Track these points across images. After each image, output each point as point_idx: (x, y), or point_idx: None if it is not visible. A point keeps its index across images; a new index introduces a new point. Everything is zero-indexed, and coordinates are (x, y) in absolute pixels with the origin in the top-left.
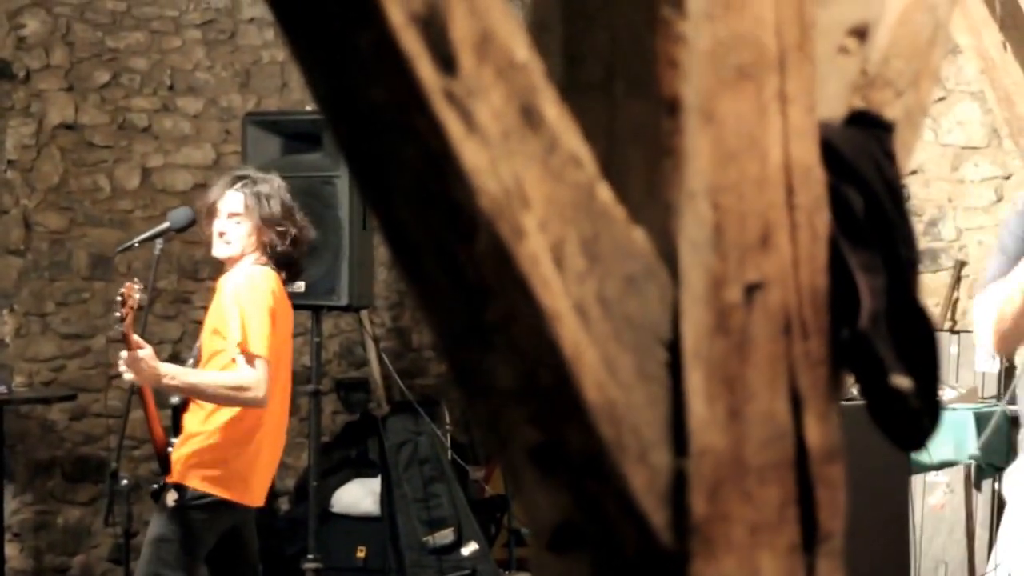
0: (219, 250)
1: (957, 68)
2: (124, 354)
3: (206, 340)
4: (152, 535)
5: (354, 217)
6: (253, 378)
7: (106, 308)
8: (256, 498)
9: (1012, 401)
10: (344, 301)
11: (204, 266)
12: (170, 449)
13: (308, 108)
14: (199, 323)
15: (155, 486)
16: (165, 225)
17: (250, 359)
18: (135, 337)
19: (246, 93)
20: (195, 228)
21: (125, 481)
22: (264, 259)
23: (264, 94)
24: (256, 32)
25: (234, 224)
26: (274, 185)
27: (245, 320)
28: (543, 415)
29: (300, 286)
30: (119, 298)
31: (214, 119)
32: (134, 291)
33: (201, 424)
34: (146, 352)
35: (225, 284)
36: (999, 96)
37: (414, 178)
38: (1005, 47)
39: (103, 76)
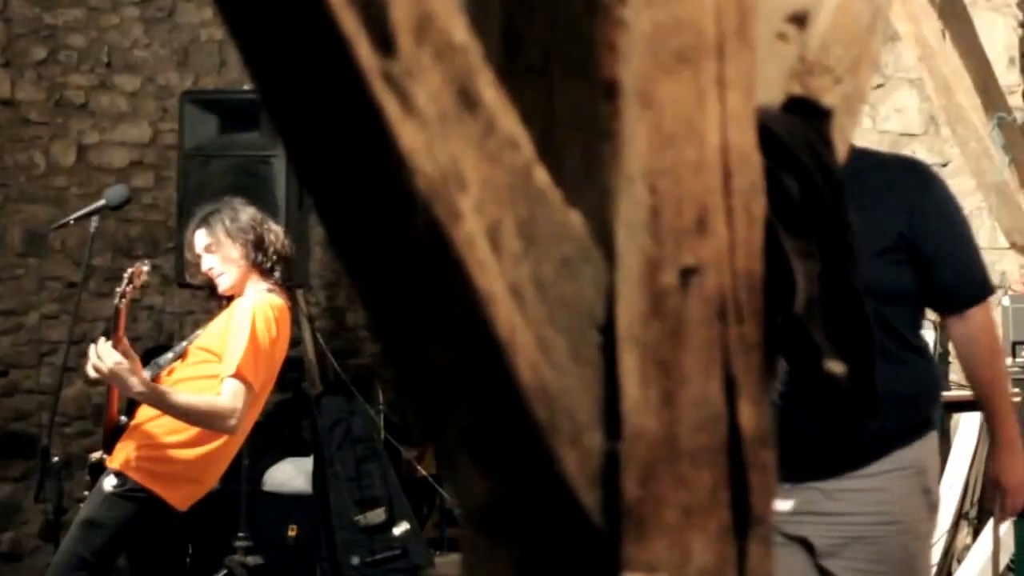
0: (221, 287)
1: (896, 55)
2: (99, 349)
3: (195, 353)
4: (84, 516)
5: (290, 196)
6: (232, 407)
7: (39, 285)
8: (186, 505)
9: (944, 387)
10: None
11: (139, 244)
12: (123, 420)
13: (246, 87)
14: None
15: (92, 460)
16: (101, 203)
17: (241, 386)
18: (125, 340)
19: (184, 71)
20: (130, 206)
21: (56, 458)
22: (268, 278)
23: (202, 72)
24: (194, 10)
25: (213, 257)
26: (233, 206)
27: (250, 345)
28: (476, 397)
29: None
30: (126, 275)
31: (151, 97)
32: (143, 273)
33: (167, 424)
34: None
35: (238, 307)
36: (937, 84)
37: (351, 159)
38: (944, 35)
39: (40, 52)
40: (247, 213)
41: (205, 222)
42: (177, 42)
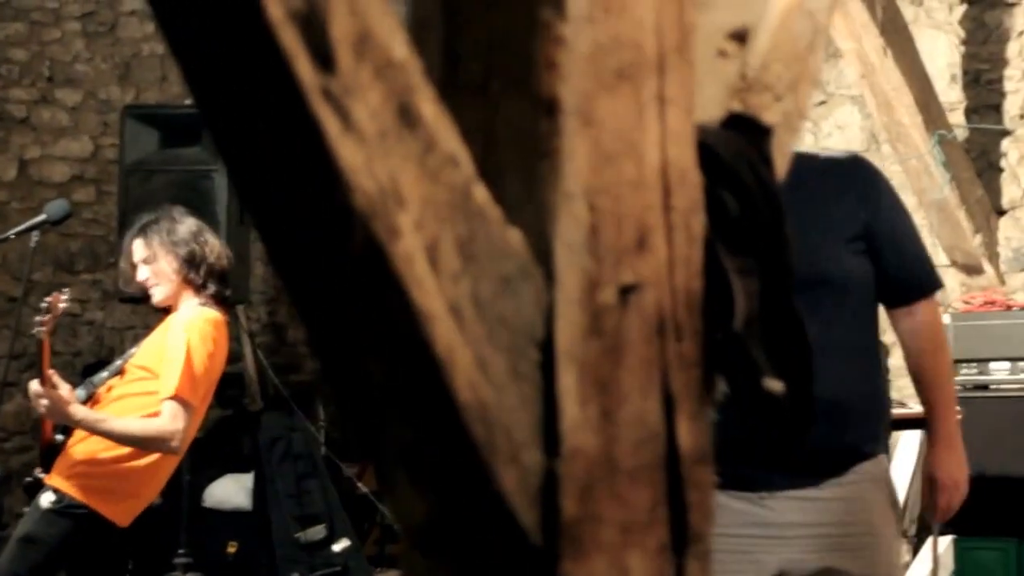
0: (155, 298)
1: (838, 72)
2: (34, 387)
3: (132, 371)
4: (21, 533)
5: (231, 212)
6: (173, 428)
7: None
8: (127, 520)
9: None
10: None
11: (80, 259)
12: (58, 438)
13: (188, 102)
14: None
15: (29, 479)
16: (41, 217)
17: (181, 407)
18: (51, 371)
19: (125, 85)
20: (71, 220)
21: None
22: (202, 292)
23: (144, 87)
24: (137, 24)
25: (150, 269)
26: (172, 216)
27: (187, 365)
28: (415, 415)
29: None
30: (44, 305)
31: (93, 111)
32: (60, 300)
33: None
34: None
35: (173, 323)
36: (879, 101)
37: (290, 176)
38: (885, 52)
39: None
40: (185, 225)
41: (143, 232)
42: (119, 56)
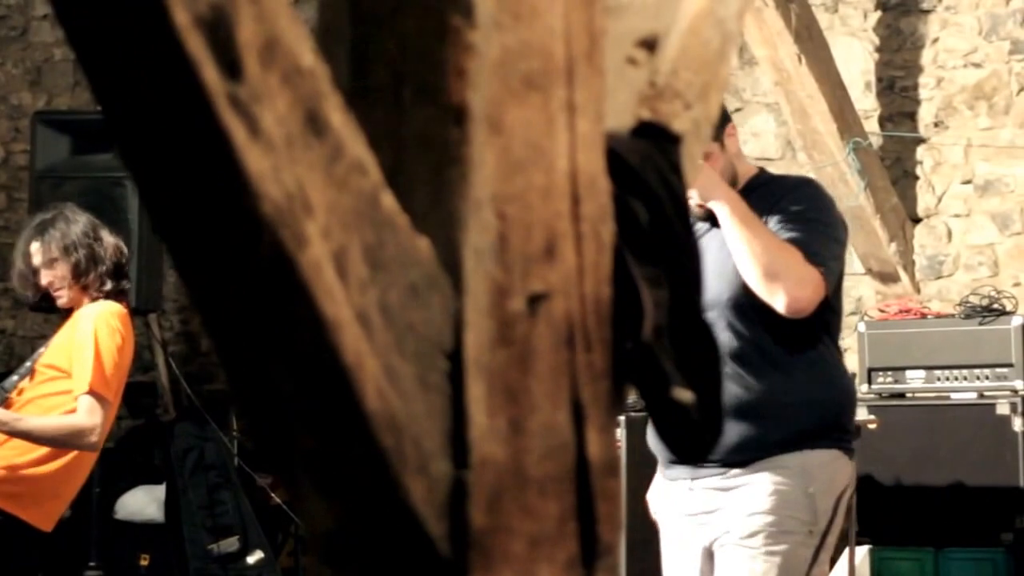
0: (60, 301)
1: (753, 79)
2: None
3: (42, 372)
4: None
5: (143, 219)
6: (91, 423)
7: None
8: (50, 524)
9: None
10: (132, 304)
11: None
12: None
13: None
14: None
15: None
16: None
17: (96, 402)
18: None
19: (37, 91)
20: None
21: None
22: (103, 288)
23: (55, 92)
24: (48, 29)
25: (51, 273)
26: (65, 217)
27: (98, 359)
28: (322, 424)
29: None
30: None
31: (3, 117)
32: None
33: (19, 445)
34: None
35: (79, 319)
36: (793, 108)
37: (196, 183)
38: (800, 59)
39: None
40: (79, 225)
41: (40, 234)
42: (30, 61)
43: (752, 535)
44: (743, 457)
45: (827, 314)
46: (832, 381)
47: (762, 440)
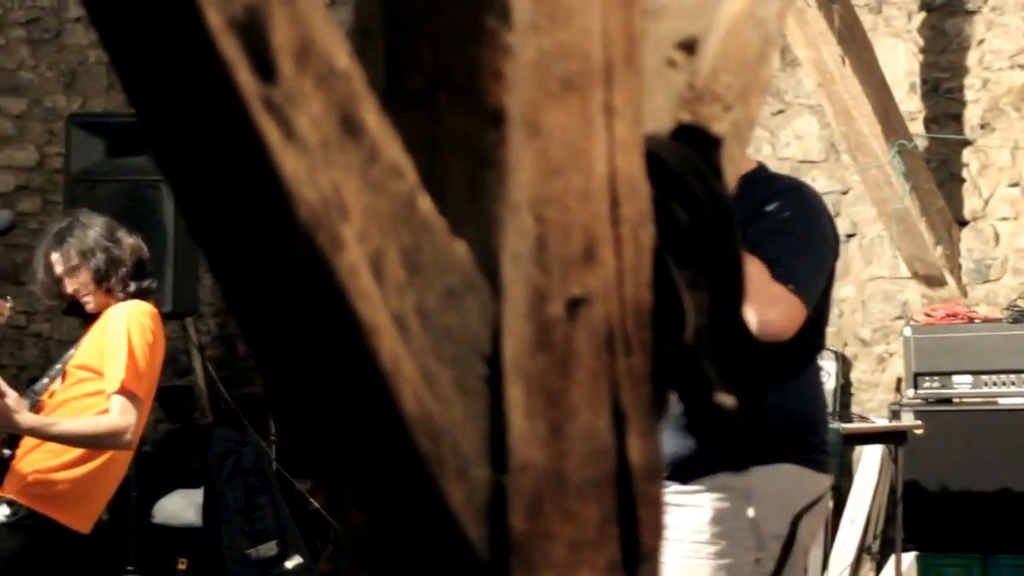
0: (88, 307)
1: (796, 81)
2: None
3: (73, 373)
4: None
5: (179, 221)
6: (125, 423)
7: None
8: (88, 526)
9: (845, 419)
10: (168, 308)
11: (26, 270)
12: (6, 452)
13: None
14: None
15: None
16: None
17: (129, 401)
18: None
19: (71, 93)
20: (16, 231)
21: None
22: (128, 288)
23: (90, 95)
24: (82, 31)
25: (77, 279)
26: (81, 224)
27: (131, 357)
28: (359, 428)
29: None
30: None
31: (38, 120)
32: (5, 309)
33: (52, 447)
34: (6, 400)
35: (110, 319)
36: (837, 110)
37: (231, 186)
38: (843, 61)
39: None
40: (95, 230)
41: (59, 243)
42: (64, 64)
43: (696, 559)
44: (686, 474)
45: (808, 333)
46: (800, 392)
47: (705, 456)
